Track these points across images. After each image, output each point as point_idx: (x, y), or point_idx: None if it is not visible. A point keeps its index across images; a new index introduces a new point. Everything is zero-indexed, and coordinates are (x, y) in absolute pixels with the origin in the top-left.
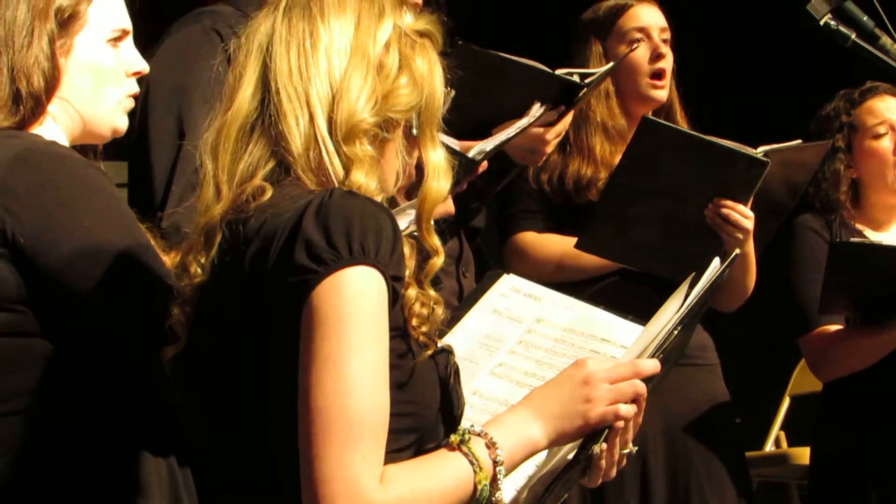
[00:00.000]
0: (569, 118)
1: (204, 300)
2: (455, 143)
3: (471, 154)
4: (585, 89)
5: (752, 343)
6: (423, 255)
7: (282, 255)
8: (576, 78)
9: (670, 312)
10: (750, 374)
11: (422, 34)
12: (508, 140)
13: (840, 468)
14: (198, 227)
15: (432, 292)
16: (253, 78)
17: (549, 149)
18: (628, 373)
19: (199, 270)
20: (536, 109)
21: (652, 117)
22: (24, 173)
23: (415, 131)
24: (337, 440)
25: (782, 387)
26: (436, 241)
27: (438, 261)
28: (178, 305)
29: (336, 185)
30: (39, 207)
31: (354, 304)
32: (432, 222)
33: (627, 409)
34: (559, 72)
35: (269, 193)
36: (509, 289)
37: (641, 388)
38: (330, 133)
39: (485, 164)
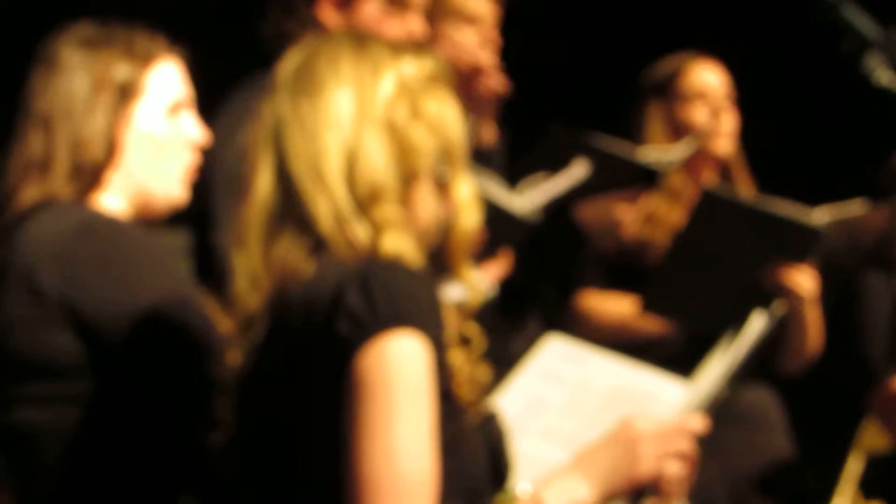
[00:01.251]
0: (650, 201)
1: (248, 385)
2: (508, 202)
3: (521, 209)
4: (666, 174)
5: (818, 400)
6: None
7: (324, 326)
8: (657, 160)
9: (716, 368)
10: (816, 432)
11: (427, 76)
12: (553, 197)
13: None
14: (236, 318)
15: (476, 355)
16: (268, 166)
17: (628, 229)
18: (675, 430)
19: (240, 359)
20: (578, 168)
21: (712, 190)
22: (87, 244)
23: (443, 174)
24: None
25: (850, 444)
26: (471, 277)
27: (477, 297)
28: (223, 394)
29: (369, 253)
30: (102, 278)
31: (398, 369)
32: (468, 260)
33: (675, 467)
34: (641, 155)
35: (308, 268)
36: (556, 351)
37: (689, 445)
38: (354, 204)
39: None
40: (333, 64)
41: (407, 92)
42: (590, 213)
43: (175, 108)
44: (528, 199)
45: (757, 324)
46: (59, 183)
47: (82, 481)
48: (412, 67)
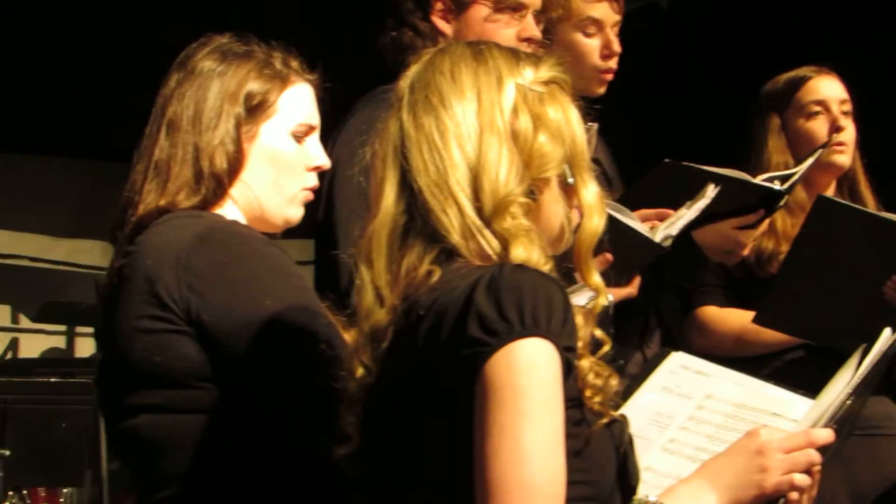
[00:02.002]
0: (766, 223)
1: (372, 397)
2: (644, 229)
3: (657, 238)
4: (786, 195)
5: None
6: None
7: (455, 329)
8: (776, 184)
9: (842, 383)
10: None
11: (547, 82)
12: (690, 223)
13: None
14: (362, 331)
15: (605, 360)
16: (393, 182)
17: (747, 251)
18: (802, 442)
19: (365, 372)
20: (711, 191)
21: (827, 196)
22: (208, 252)
23: (570, 180)
24: None
25: None
26: (597, 279)
27: (602, 300)
28: (347, 407)
29: (500, 261)
30: (223, 286)
31: (528, 376)
32: (593, 262)
33: (802, 479)
34: (760, 178)
35: (437, 275)
36: (678, 366)
37: (816, 457)
38: (479, 216)
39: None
40: (455, 76)
41: (529, 100)
42: (708, 236)
43: (302, 131)
44: (665, 233)
45: (886, 339)
46: (179, 189)
47: (206, 490)
48: (532, 75)
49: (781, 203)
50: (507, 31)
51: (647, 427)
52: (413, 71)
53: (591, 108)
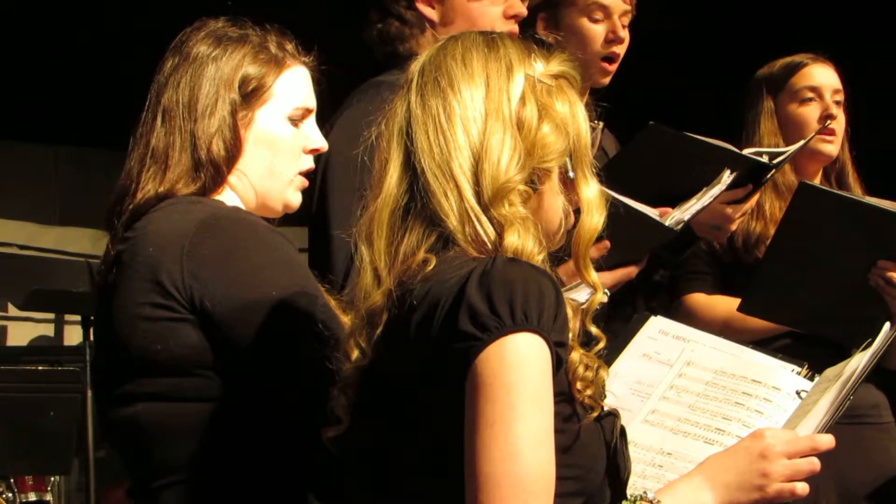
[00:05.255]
0: (755, 198)
1: (366, 380)
2: (654, 213)
3: (668, 223)
4: (774, 170)
5: None
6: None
7: (446, 322)
8: (764, 158)
9: (843, 382)
10: None
11: (556, 76)
12: (704, 207)
13: None
14: (359, 313)
15: (597, 355)
16: (397, 162)
17: (734, 227)
18: (806, 448)
19: (360, 354)
20: (727, 177)
21: (809, 182)
22: (211, 239)
23: (570, 174)
24: None
25: None
26: (594, 276)
27: (599, 296)
28: (340, 389)
29: (493, 250)
30: (226, 274)
31: (518, 371)
32: (590, 259)
33: (804, 488)
34: (747, 151)
35: (432, 264)
36: (657, 331)
37: (817, 465)
38: (478, 201)
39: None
40: (465, 62)
41: (537, 91)
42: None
43: (299, 115)
44: (676, 218)
45: (885, 335)
46: (178, 177)
47: (205, 478)
48: (543, 68)
49: (769, 176)
50: (492, 9)
51: (629, 397)
52: (424, 56)
53: (598, 104)
